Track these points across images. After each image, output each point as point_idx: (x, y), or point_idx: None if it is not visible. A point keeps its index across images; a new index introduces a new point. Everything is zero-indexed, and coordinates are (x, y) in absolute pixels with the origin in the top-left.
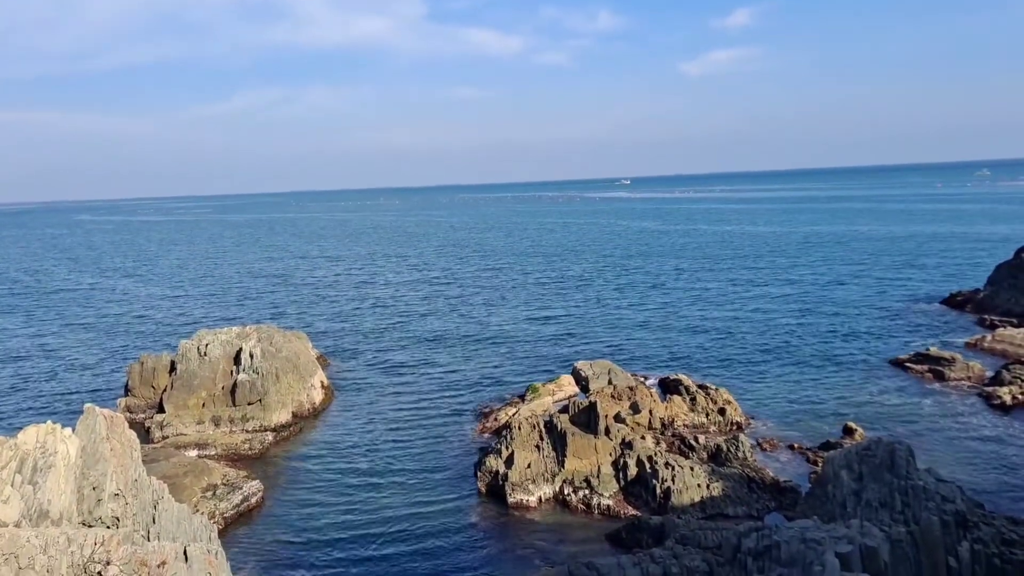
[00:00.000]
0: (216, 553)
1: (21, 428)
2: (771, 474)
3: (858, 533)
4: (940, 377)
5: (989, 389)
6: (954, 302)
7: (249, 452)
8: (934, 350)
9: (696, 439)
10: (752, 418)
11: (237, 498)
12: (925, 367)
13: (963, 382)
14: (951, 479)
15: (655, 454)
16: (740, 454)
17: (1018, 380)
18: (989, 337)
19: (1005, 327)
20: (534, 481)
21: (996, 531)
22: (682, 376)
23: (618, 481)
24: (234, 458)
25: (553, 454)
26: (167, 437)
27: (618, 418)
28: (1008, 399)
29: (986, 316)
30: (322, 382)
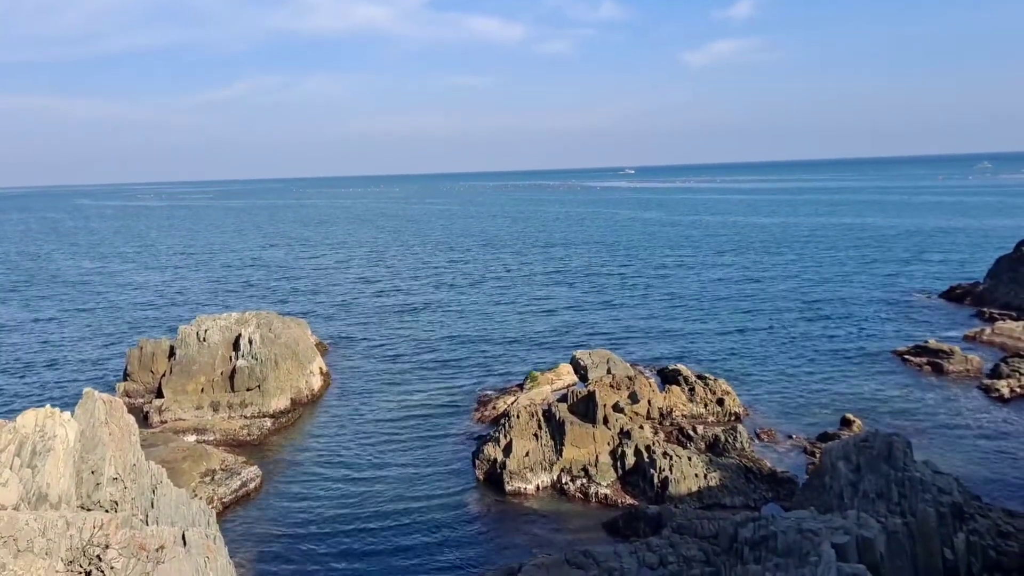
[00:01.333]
0: (214, 538)
1: (20, 412)
2: (769, 464)
3: (855, 524)
4: (939, 370)
5: (987, 382)
6: (954, 295)
7: (248, 438)
8: (933, 342)
9: (694, 429)
10: (750, 408)
11: (235, 483)
12: (924, 359)
13: (962, 375)
14: (948, 471)
15: (653, 444)
16: (738, 444)
17: (1016, 373)
18: (988, 330)
19: (1004, 320)
20: (532, 470)
21: (992, 523)
22: (681, 366)
23: (616, 470)
24: (233, 444)
25: (551, 443)
26: (166, 422)
27: (616, 408)
28: (1006, 392)
29: (985, 309)
30: (321, 369)
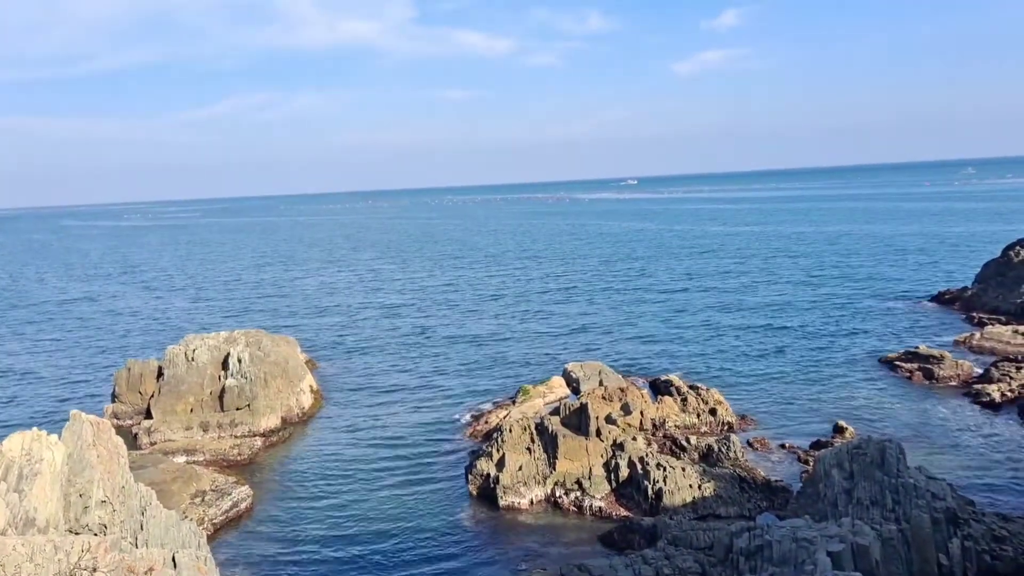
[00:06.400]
0: (205, 559)
1: (6, 435)
2: (762, 474)
3: (849, 531)
4: (929, 375)
5: (978, 387)
6: (943, 300)
7: (238, 457)
8: (923, 348)
9: (687, 439)
10: (743, 418)
11: (226, 504)
12: (915, 365)
13: (952, 380)
14: (941, 476)
15: (646, 455)
16: (731, 454)
17: (1006, 377)
18: (978, 335)
19: (993, 324)
20: (525, 483)
21: (987, 528)
22: (673, 377)
23: (610, 483)
24: (223, 464)
25: (544, 456)
26: (155, 443)
27: (609, 419)
28: (997, 396)
29: (974, 314)
30: (311, 386)
